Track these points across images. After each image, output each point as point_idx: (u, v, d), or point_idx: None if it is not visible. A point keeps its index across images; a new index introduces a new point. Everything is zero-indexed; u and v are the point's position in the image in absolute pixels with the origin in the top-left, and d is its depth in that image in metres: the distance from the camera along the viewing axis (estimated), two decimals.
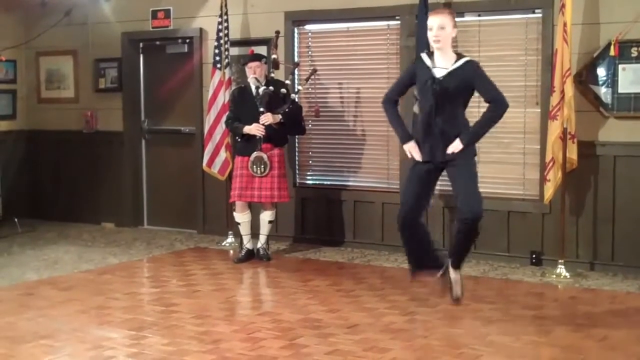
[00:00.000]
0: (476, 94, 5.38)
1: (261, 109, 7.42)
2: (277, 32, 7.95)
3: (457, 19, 7.50)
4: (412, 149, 5.28)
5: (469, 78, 5.18)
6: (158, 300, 6.27)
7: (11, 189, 9.79)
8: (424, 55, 5.32)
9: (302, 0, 8.34)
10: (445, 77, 5.16)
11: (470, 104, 5.45)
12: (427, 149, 5.23)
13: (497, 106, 5.20)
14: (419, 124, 5.34)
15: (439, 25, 5.18)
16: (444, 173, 5.39)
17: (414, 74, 5.33)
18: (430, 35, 5.23)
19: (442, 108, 5.15)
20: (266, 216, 7.71)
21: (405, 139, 5.34)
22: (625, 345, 5.08)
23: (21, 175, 10.23)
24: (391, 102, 5.44)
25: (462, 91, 5.18)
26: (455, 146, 5.15)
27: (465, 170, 5.20)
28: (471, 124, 5.36)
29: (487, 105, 5.31)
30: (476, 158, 5.37)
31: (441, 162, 5.24)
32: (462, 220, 5.19)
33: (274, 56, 7.82)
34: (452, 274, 5.45)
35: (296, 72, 8.14)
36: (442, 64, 5.21)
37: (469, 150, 5.25)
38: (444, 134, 5.17)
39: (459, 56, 5.26)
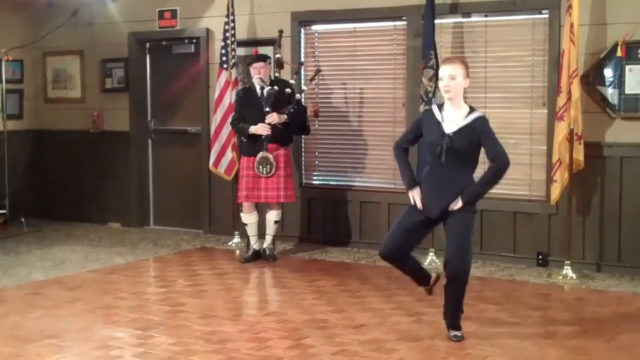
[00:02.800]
0: None
1: (267, 109, 7.42)
2: (281, 31, 7.95)
3: (463, 20, 7.65)
4: (415, 196, 5.17)
5: (478, 134, 5.03)
6: (164, 300, 6.28)
7: (18, 188, 9.82)
8: (434, 108, 5.20)
9: (308, 0, 8.34)
10: (455, 133, 5.03)
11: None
12: (428, 202, 5.12)
13: (498, 165, 5.05)
14: (425, 175, 5.24)
15: (449, 76, 5.02)
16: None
17: (421, 126, 5.21)
18: (441, 85, 5.08)
19: (450, 163, 5.04)
20: (272, 216, 7.72)
21: (411, 185, 5.23)
22: (631, 346, 5.07)
23: (28, 175, 10.26)
24: (401, 149, 5.32)
25: (471, 148, 5.06)
26: (456, 205, 5.03)
27: (461, 225, 5.06)
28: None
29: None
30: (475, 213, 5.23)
31: (440, 217, 5.15)
32: (448, 276, 5.07)
33: (277, 55, 7.84)
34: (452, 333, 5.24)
35: (302, 71, 8.14)
36: (452, 117, 5.07)
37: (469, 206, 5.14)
38: (447, 189, 5.05)
39: (471, 110, 5.11)
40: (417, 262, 5.44)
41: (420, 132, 5.23)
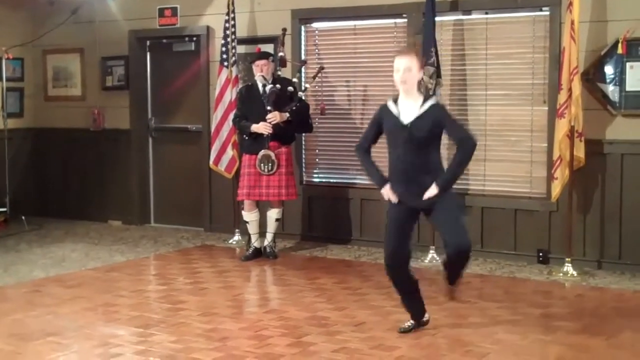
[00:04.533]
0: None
1: (269, 107, 7.41)
2: (284, 30, 7.96)
3: (464, 17, 7.65)
4: (388, 193, 5.16)
5: (437, 121, 5.04)
6: (165, 297, 6.28)
7: (18, 186, 9.82)
8: (389, 103, 5.20)
9: None
10: (413, 122, 5.04)
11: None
12: (401, 195, 5.11)
13: (465, 146, 5.04)
14: (392, 170, 5.22)
15: (405, 67, 5.03)
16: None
17: (380, 122, 5.23)
18: (397, 77, 5.08)
19: (413, 153, 5.05)
20: (273, 214, 7.71)
21: (381, 183, 5.22)
22: (632, 343, 5.08)
23: (28, 173, 10.26)
24: (363, 149, 5.34)
25: (431, 135, 5.06)
26: (431, 192, 5.02)
27: (445, 208, 5.07)
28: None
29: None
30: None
31: (418, 207, 5.16)
32: (453, 254, 5.04)
33: (280, 54, 7.83)
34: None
35: (303, 69, 8.14)
36: (408, 108, 5.09)
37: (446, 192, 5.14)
38: (417, 179, 5.05)
39: (425, 98, 5.13)
40: (417, 285, 5.34)
41: (380, 129, 5.24)
